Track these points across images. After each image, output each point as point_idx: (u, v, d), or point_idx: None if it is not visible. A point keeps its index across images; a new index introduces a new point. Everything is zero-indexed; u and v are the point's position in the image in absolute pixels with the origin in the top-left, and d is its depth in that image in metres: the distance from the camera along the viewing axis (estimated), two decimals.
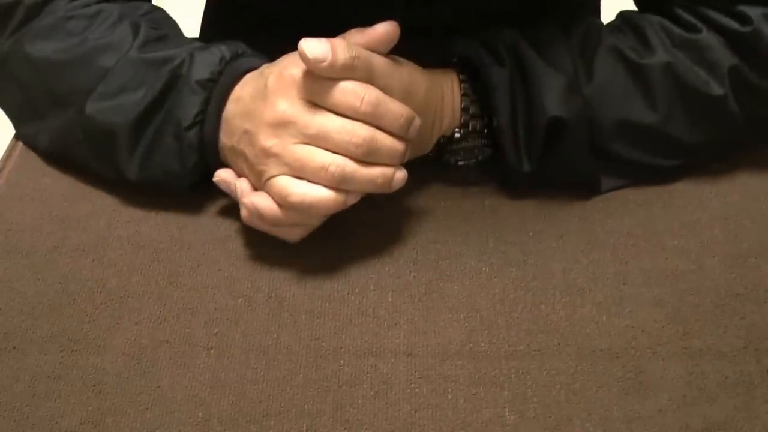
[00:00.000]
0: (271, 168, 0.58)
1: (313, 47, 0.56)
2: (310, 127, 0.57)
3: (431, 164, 0.67)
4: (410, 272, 0.61)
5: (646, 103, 0.64)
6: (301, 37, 0.58)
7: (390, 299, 0.59)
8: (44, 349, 0.57)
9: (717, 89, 0.63)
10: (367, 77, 0.58)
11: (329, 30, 0.63)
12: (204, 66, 0.61)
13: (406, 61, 0.62)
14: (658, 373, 0.55)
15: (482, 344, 0.57)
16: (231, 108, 0.61)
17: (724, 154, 0.68)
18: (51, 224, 0.64)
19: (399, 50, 0.62)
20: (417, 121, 0.59)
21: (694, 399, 0.54)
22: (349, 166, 0.57)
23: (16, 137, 0.71)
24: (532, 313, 0.59)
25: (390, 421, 0.53)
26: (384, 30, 0.59)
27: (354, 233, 0.63)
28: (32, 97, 0.66)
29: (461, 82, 0.65)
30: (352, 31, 0.60)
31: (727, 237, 0.63)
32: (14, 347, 0.57)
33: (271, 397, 0.54)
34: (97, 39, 0.64)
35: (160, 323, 0.58)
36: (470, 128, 0.65)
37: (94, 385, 0.55)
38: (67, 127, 0.65)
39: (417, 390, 0.54)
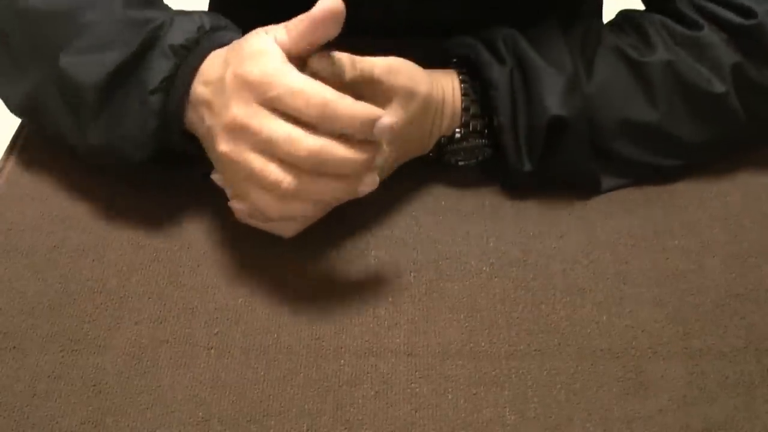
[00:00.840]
0: (232, 175, 0.57)
1: (318, 62, 0.56)
2: (261, 134, 0.54)
3: (431, 164, 0.67)
4: (410, 272, 0.61)
5: (647, 102, 0.64)
6: None
7: (390, 299, 0.59)
8: (44, 349, 0.57)
9: (719, 87, 0.63)
10: (368, 81, 0.58)
11: None
12: (181, 31, 0.59)
13: (407, 61, 0.62)
14: (658, 373, 0.55)
15: (482, 344, 0.57)
16: (199, 90, 0.58)
17: (725, 153, 0.68)
18: (51, 224, 0.64)
19: (400, 50, 0.62)
20: (385, 121, 0.54)
21: (694, 399, 0.54)
22: (301, 182, 0.54)
23: (15, 137, 0.71)
24: (532, 313, 0.59)
25: (390, 421, 0.53)
26: (324, 9, 0.54)
27: (354, 233, 0.63)
28: (13, 47, 0.64)
29: (462, 82, 0.65)
30: (293, 21, 0.56)
31: (727, 237, 0.63)
32: (14, 347, 0.57)
33: (271, 397, 0.54)
34: None
35: (161, 323, 0.58)
36: (471, 128, 0.65)
37: (94, 385, 0.55)
38: (42, 83, 0.62)
39: (417, 390, 0.54)
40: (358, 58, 0.59)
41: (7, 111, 0.73)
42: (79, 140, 0.62)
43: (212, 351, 0.57)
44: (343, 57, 0.57)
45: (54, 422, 0.53)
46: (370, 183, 0.56)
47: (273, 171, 0.54)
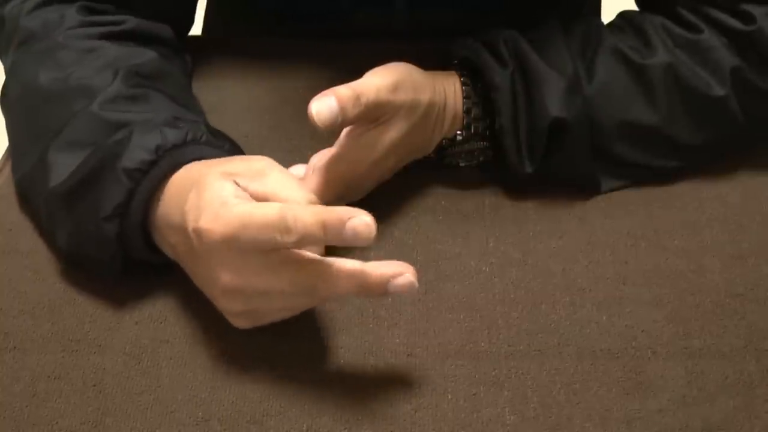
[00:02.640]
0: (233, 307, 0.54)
1: (322, 115, 0.55)
2: (257, 290, 0.52)
3: (430, 161, 0.67)
4: None
5: (647, 104, 0.64)
6: (302, 35, 0.57)
7: (390, 299, 0.59)
8: (45, 349, 0.57)
9: (718, 90, 0.63)
10: (374, 107, 0.58)
11: (331, 27, 0.62)
12: (138, 150, 0.55)
13: (409, 70, 0.62)
14: (658, 373, 0.55)
15: (482, 344, 0.57)
16: (163, 222, 0.55)
17: (724, 154, 0.68)
18: None
19: (399, 53, 0.62)
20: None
21: (694, 399, 0.54)
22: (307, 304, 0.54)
23: None
24: (532, 313, 0.59)
25: (390, 421, 0.53)
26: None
27: None
28: (19, 123, 0.64)
29: (463, 84, 0.65)
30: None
31: (727, 237, 0.63)
32: (14, 347, 0.57)
33: (271, 397, 0.54)
34: (79, 78, 0.61)
35: (161, 323, 0.58)
36: (472, 130, 0.65)
37: (94, 385, 0.55)
38: (31, 170, 0.60)
39: (417, 390, 0.54)
40: (360, 90, 0.57)
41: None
42: (53, 242, 0.60)
43: (212, 351, 0.57)
44: (344, 98, 0.56)
45: (54, 422, 0.53)
46: (403, 284, 0.52)
47: (280, 312, 0.54)
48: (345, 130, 0.60)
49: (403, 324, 0.58)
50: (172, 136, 0.56)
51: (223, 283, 0.52)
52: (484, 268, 0.61)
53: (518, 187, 0.66)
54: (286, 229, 0.49)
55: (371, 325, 0.58)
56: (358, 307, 0.59)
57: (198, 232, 0.51)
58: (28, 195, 0.63)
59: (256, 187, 0.53)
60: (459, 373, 0.55)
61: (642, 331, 0.57)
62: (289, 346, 0.57)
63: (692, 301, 0.59)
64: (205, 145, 0.57)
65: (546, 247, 0.63)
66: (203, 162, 0.56)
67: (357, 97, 0.56)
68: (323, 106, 0.55)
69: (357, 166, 0.61)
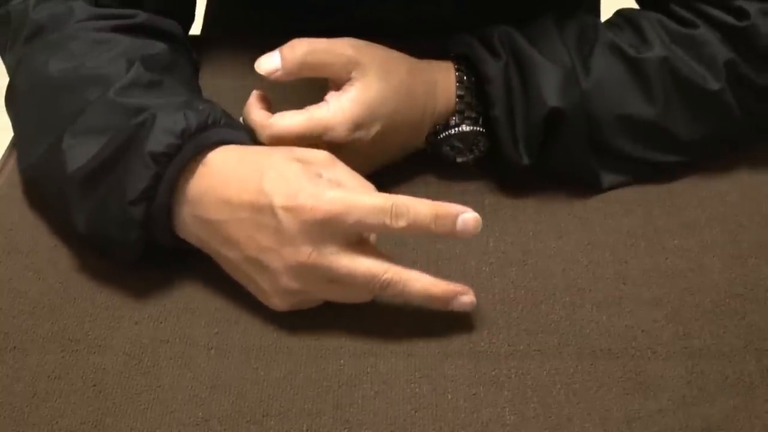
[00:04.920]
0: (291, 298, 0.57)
1: (261, 60, 0.60)
2: (338, 271, 0.55)
3: (430, 161, 0.67)
4: None
5: (644, 98, 0.64)
6: (303, 33, 0.58)
7: (390, 299, 0.59)
8: (45, 349, 0.57)
9: (713, 84, 0.63)
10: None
11: (332, 25, 0.62)
12: (163, 134, 0.55)
13: (382, 47, 0.63)
14: (658, 373, 0.55)
15: (482, 344, 0.57)
16: (190, 209, 0.56)
17: (723, 151, 0.68)
18: (51, 224, 0.64)
19: (397, 50, 0.63)
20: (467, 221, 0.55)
21: (694, 399, 0.54)
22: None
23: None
24: (532, 313, 0.59)
25: (390, 421, 0.53)
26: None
27: None
28: (29, 112, 0.64)
29: (457, 71, 0.65)
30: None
31: (727, 237, 0.63)
32: (14, 347, 0.57)
33: (271, 397, 0.54)
34: (92, 68, 0.61)
35: (161, 323, 0.58)
36: (465, 115, 0.65)
37: (94, 385, 0.55)
38: (43, 158, 0.60)
39: (417, 390, 0.54)
40: (298, 41, 0.60)
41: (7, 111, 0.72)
42: (69, 226, 0.60)
43: (212, 351, 0.57)
44: (284, 47, 0.60)
45: (54, 422, 0.53)
46: (464, 304, 0.57)
47: (349, 297, 0.57)
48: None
49: (403, 324, 0.58)
50: (195, 119, 0.56)
51: (299, 259, 0.54)
52: (484, 268, 0.61)
53: (517, 184, 0.66)
54: (396, 215, 0.54)
55: (371, 325, 0.58)
56: (358, 307, 0.59)
57: (293, 209, 0.53)
58: (38, 183, 0.63)
59: (330, 175, 0.56)
60: (459, 373, 0.55)
61: (642, 331, 0.57)
62: (289, 346, 0.57)
63: (692, 301, 0.59)
64: (225, 128, 0.58)
65: (546, 247, 0.63)
66: (257, 147, 0.58)
67: (293, 44, 0.60)
68: (264, 55, 0.59)
69: (337, 130, 0.61)
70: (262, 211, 0.54)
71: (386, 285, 0.55)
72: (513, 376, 0.55)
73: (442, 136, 0.66)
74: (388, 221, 0.54)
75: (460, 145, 0.66)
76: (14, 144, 0.69)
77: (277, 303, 0.57)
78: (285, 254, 0.54)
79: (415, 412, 0.53)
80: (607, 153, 0.65)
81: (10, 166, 0.69)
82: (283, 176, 0.55)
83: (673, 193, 0.66)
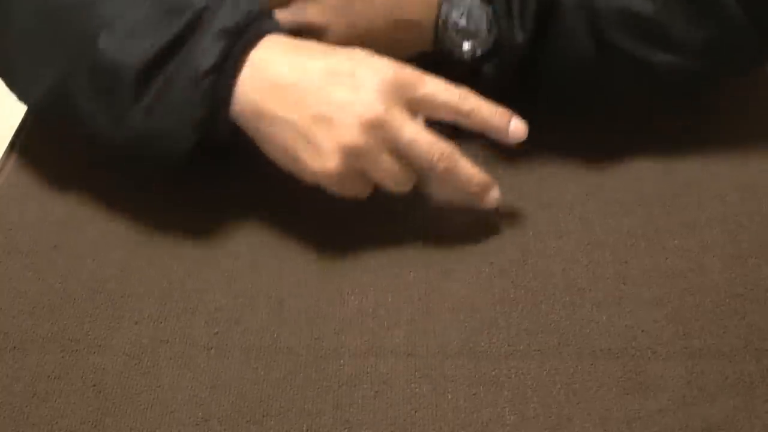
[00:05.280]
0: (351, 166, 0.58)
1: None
2: (401, 132, 0.57)
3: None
4: (410, 272, 0.61)
5: None
6: None
7: (390, 299, 0.59)
8: (44, 349, 0.57)
9: None
10: None
11: None
12: (229, 15, 0.58)
13: None
14: (658, 373, 0.55)
15: (482, 344, 0.57)
16: (258, 83, 0.58)
17: (728, 64, 0.67)
18: (51, 224, 0.64)
19: None
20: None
21: (694, 399, 0.54)
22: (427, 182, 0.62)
23: (15, 137, 0.71)
24: (532, 313, 0.59)
25: (390, 421, 0.53)
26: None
27: (354, 233, 0.63)
28: (33, 43, 0.62)
29: None
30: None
31: (727, 237, 0.63)
32: (14, 347, 0.57)
33: (271, 397, 0.54)
34: None
35: (161, 323, 0.58)
36: None
37: (94, 385, 0.55)
38: (70, 74, 0.59)
39: (417, 390, 0.54)
40: None
41: (7, 111, 0.73)
42: (113, 132, 0.59)
43: (212, 351, 0.57)
44: None
45: (54, 422, 0.53)
46: (493, 199, 0.62)
47: (403, 169, 0.59)
48: None
49: (403, 324, 0.58)
50: (255, 8, 0.59)
51: (372, 115, 0.56)
52: (484, 268, 0.61)
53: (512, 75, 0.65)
54: (465, 96, 0.59)
55: (371, 325, 0.58)
56: (358, 307, 0.59)
57: (373, 66, 0.57)
58: (64, 105, 0.61)
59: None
60: (459, 373, 0.55)
61: (642, 331, 0.57)
62: (289, 346, 0.57)
63: (692, 301, 0.59)
64: (271, 19, 0.61)
65: (546, 247, 0.63)
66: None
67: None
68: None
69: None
70: (339, 67, 0.57)
71: (442, 157, 0.58)
72: (513, 376, 0.55)
73: (444, 11, 0.65)
74: (457, 98, 0.59)
75: (465, 24, 0.65)
76: (12, 84, 0.66)
77: (332, 165, 0.57)
78: (358, 108, 0.56)
79: (415, 412, 0.53)
80: (608, 50, 0.65)
81: (10, 166, 0.69)
82: (366, 54, 0.58)
83: (673, 193, 0.66)
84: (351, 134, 0.56)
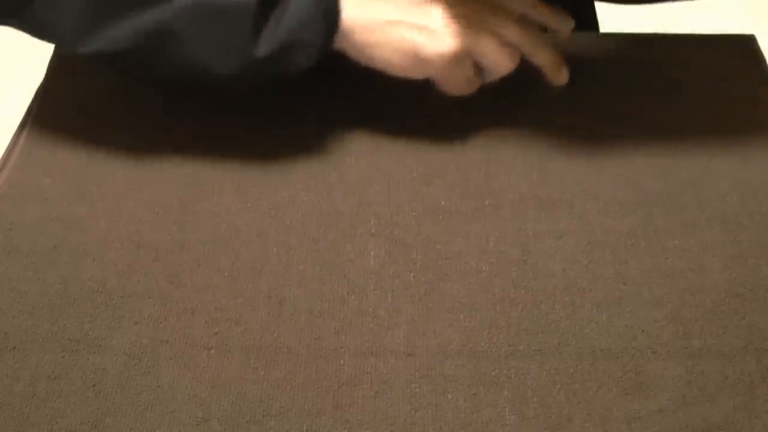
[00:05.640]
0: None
1: None
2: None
3: (433, 160, 0.66)
4: (410, 272, 0.61)
5: None
6: None
7: (390, 299, 0.59)
8: (44, 349, 0.57)
9: None
10: None
11: None
12: None
13: None
14: (658, 373, 0.55)
15: (482, 344, 0.57)
16: None
17: None
18: (51, 224, 0.64)
19: None
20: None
21: (694, 399, 0.54)
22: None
23: (15, 137, 0.71)
24: (532, 313, 0.59)
25: (390, 421, 0.53)
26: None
27: (354, 233, 0.63)
28: None
29: None
30: None
31: (726, 237, 0.63)
32: (14, 347, 0.57)
33: (271, 397, 0.54)
34: None
35: (161, 323, 0.58)
36: None
37: (94, 385, 0.55)
38: (173, 16, 0.62)
39: (417, 390, 0.54)
40: None
41: (7, 111, 0.73)
42: (229, 65, 0.63)
43: (212, 351, 0.57)
44: None
45: (54, 422, 0.53)
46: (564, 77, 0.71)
47: (504, 48, 0.66)
48: None
49: (403, 324, 0.58)
50: None
51: None
52: (484, 268, 0.61)
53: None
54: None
55: (371, 325, 0.58)
56: (358, 307, 0.59)
57: None
58: (162, 45, 0.63)
59: None
60: (459, 373, 0.55)
61: (642, 331, 0.57)
62: (289, 346, 0.57)
63: (692, 301, 0.59)
64: None
65: (546, 247, 0.63)
66: None
67: None
68: None
69: None
70: None
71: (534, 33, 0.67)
72: (513, 376, 0.55)
73: None
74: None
75: None
76: (65, 35, 0.65)
77: (448, 44, 0.64)
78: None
79: (415, 412, 0.53)
80: None
81: (10, 165, 0.69)
82: None
83: (673, 193, 0.66)
84: (456, 9, 0.63)
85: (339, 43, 0.66)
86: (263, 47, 0.63)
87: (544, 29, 0.74)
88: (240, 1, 0.62)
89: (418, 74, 0.66)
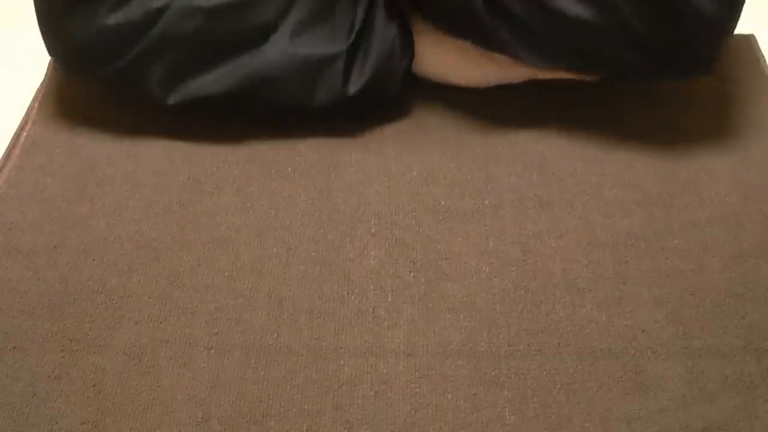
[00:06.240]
0: None
1: None
2: None
3: (434, 161, 0.66)
4: (410, 272, 0.61)
5: None
6: None
7: (390, 299, 0.59)
8: (44, 349, 0.57)
9: None
10: None
11: None
12: None
13: None
14: (658, 373, 0.55)
15: (482, 344, 0.57)
16: None
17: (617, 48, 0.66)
18: (51, 224, 0.64)
19: None
20: None
21: (694, 399, 0.54)
22: None
23: (15, 137, 0.71)
24: (532, 313, 0.59)
25: (390, 421, 0.53)
26: None
27: (354, 233, 0.63)
28: (199, 49, 0.67)
29: None
30: None
31: (727, 237, 0.63)
32: (14, 347, 0.57)
33: (271, 397, 0.54)
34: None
35: (161, 323, 0.58)
36: None
37: (94, 385, 0.55)
38: (258, 67, 0.67)
39: (417, 390, 0.54)
40: None
41: (7, 111, 0.73)
42: (331, 97, 0.69)
43: (212, 351, 0.57)
44: None
45: (54, 422, 0.53)
46: None
47: None
48: None
49: (403, 324, 0.58)
50: None
51: None
52: (484, 268, 0.61)
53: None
54: None
55: (371, 325, 0.58)
56: (358, 307, 0.59)
57: None
58: (239, 97, 0.68)
59: None
60: (459, 373, 0.55)
61: (642, 331, 0.57)
62: (289, 346, 0.57)
63: (692, 301, 0.59)
64: None
65: (546, 247, 0.63)
66: None
67: None
68: None
69: None
70: None
71: None
72: (513, 376, 0.55)
73: None
74: None
75: None
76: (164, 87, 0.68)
77: None
78: None
79: (415, 412, 0.53)
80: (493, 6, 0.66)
81: (10, 166, 0.69)
82: None
83: (673, 193, 0.66)
84: None
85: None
86: (353, 86, 0.69)
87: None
88: (329, 52, 0.68)
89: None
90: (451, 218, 0.65)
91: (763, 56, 0.79)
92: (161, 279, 0.61)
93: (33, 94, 0.76)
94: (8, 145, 0.71)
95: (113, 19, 0.65)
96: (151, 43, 0.66)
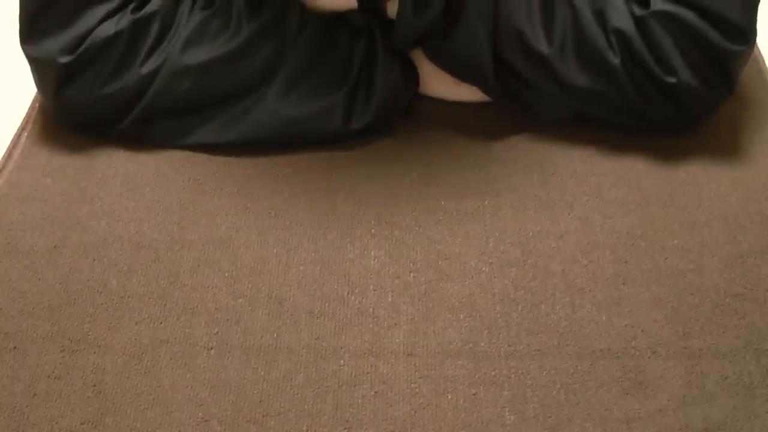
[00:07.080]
0: None
1: None
2: None
3: (435, 162, 0.66)
4: (410, 272, 0.61)
5: (545, 33, 0.68)
6: None
7: (390, 299, 0.59)
8: (44, 349, 0.57)
9: (612, 58, 0.67)
10: None
11: None
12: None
13: None
14: (658, 373, 0.55)
15: (482, 344, 0.57)
16: None
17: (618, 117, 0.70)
18: (51, 224, 0.64)
19: None
20: None
21: (694, 399, 0.54)
22: None
23: (16, 138, 0.71)
24: (532, 313, 0.59)
25: (390, 421, 0.53)
26: None
27: (354, 233, 0.63)
28: (194, 105, 0.69)
29: None
30: None
31: (727, 237, 0.63)
32: (14, 347, 0.57)
33: (271, 397, 0.54)
34: (252, 27, 0.68)
35: (161, 323, 0.58)
36: None
37: (94, 385, 0.55)
38: (247, 120, 0.68)
39: (417, 390, 0.54)
40: None
41: (7, 111, 0.73)
42: (337, 131, 0.69)
43: (212, 351, 0.57)
44: None
45: (54, 422, 0.53)
46: None
47: None
48: None
49: (403, 324, 0.58)
50: None
51: None
52: (484, 268, 0.61)
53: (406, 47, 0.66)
54: None
55: (371, 325, 0.58)
56: (358, 307, 0.59)
57: None
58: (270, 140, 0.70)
59: None
60: (459, 373, 0.55)
61: (642, 331, 0.57)
62: (289, 346, 0.57)
63: (692, 301, 0.59)
64: None
65: (545, 247, 0.63)
66: None
67: None
68: None
69: None
70: None
71: None
72: (513, 376, 0.55)
73: None
74: None
75: None
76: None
77: None
78: None
79: (415, 412, 0.53)
80: (504, 66, 0.69)
81: (10, 166, 0.69)
82: None
83: (673, 193, 0.66)
84: None
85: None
86: (357, 123, 0.69)
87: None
88: (323, 105, 0.68)
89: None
90: (451, 218, 0.65)
91: (763, 57, 0.79)
92: (161, 279, 0.61)
93: (33, 94, 0.76)
94: (9, 146, 0.71)
95: (109, 88, 0.68)
96: (148, 105, 0.69)
